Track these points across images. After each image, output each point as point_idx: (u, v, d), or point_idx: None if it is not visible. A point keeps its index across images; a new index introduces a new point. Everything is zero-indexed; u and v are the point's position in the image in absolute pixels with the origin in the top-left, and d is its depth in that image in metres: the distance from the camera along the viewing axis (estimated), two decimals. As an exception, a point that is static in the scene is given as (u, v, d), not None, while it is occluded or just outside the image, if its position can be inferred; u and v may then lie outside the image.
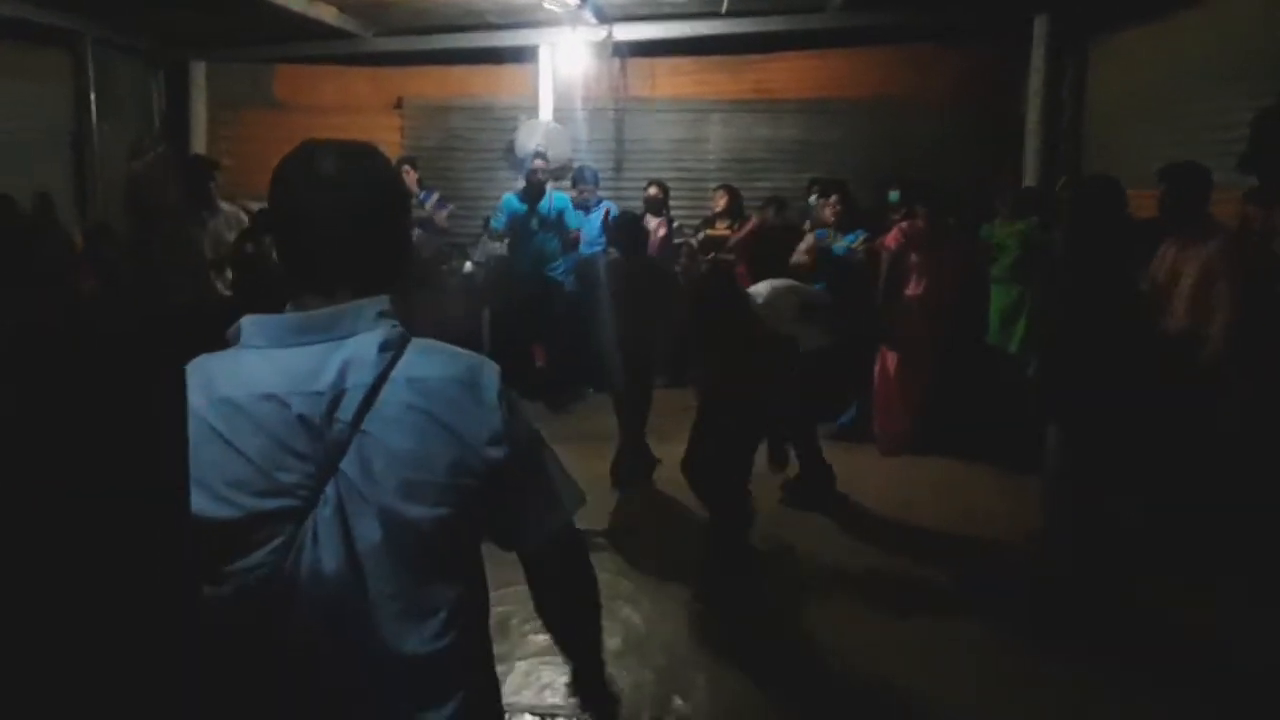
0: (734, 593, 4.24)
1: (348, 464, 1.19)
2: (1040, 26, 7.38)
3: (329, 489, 1.18)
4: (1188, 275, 4.13)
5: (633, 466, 5.45)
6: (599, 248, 6.81)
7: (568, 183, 7.89)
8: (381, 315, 1.26)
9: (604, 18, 7.78)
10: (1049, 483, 4.04)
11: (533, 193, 7.31)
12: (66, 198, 7.31)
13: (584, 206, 7.48)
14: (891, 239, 6.00)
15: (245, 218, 6.08)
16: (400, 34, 8.33)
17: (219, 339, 1.27)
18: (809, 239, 6.38)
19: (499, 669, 1.42)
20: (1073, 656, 3.57)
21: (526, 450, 1.31)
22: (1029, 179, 7.32)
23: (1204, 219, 4.23)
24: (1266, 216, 4.21)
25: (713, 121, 8.46)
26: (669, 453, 5.02)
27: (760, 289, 4.56)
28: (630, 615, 3.94)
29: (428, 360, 1.26)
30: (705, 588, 4.26)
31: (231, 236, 5.98)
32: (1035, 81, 7.45)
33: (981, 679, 3.47)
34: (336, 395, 1.19)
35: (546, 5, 7.23)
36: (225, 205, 6.18)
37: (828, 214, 6.36)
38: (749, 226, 7.10)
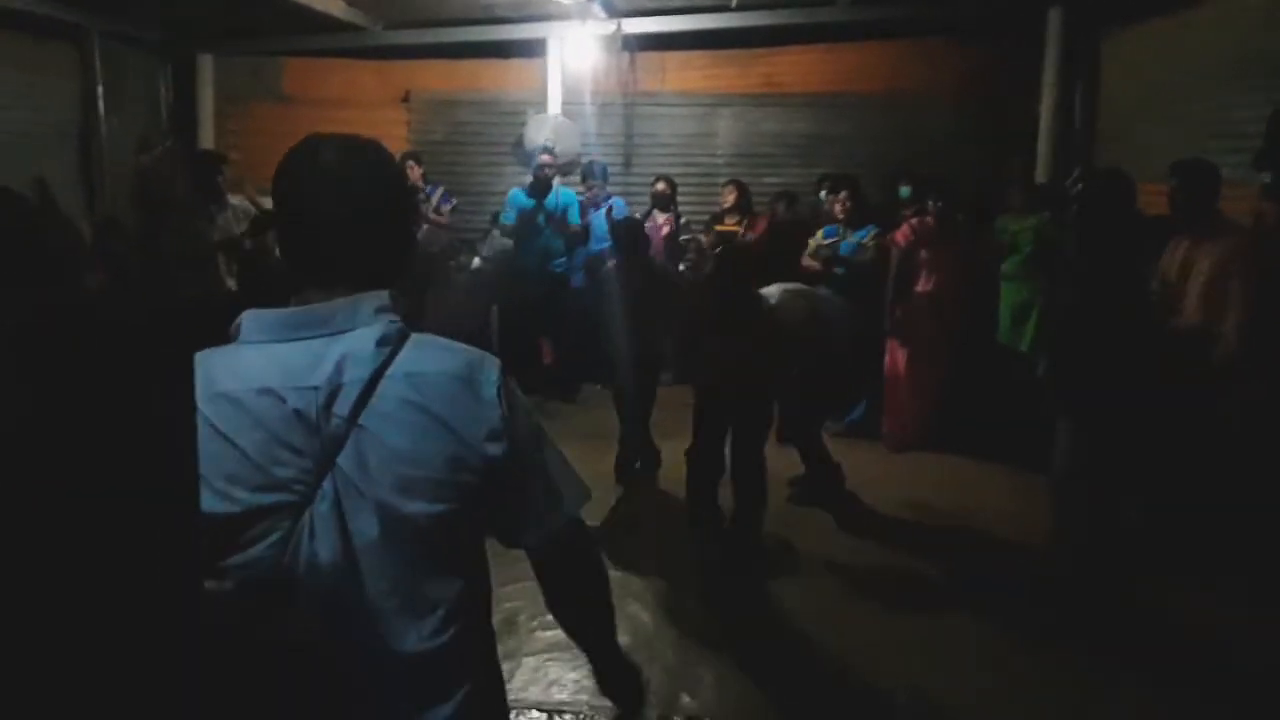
0: (741, 591, 4.23)
1: (344, 459, 1.18)
2: (1054, 19, 7.32)
3: (326, 484, 1.18)
4: (1199, 272, 4.09)
5: (637, 463, 5.45)
6: (608, 244, 6.80)
7: (576, 178, 7.87)
8: (381, 310, 1.26)
9: (613, 11, 7.76)
10: (1059, 483, 4.01)
11: (539, 188, 7.29)
12: (74, 192, 7.32)
13: (594, 203, 7.45)
14: (901, 235, 5.98)
15: (253, 208, 6.09)
16: (408, 27, 8.30)
17: (226, 333, 1.27)
18: (819, 236, 6.35)
19: (507, 665, 1.41)
20: (1073, 656, 3.57)
21: (527, 447, 1.30)
22: (1041, 174, 7.28)
23: (1213, 216, 4.20)
24: (1282, 213, 4.18)
25: (722, 116, 8.42)
26: (672, 449, 5.02)
27: (772, 291, 4.53)
28: (638, 612, 3.93)
29: (426, 356, 1.25)
30: (712, 585, 4.26)
31: (240, 230, 6.00)
32: (1049, 75, 7.40)
33: (984, 678, 3.47)
34: (333, 390, 1.19)
35: (555, -2, 7.22)
36: (234, 199, 6.19)
37: (838, 211, 6.33)
38: (761, 226, 7.06)
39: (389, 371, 1.21)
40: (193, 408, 0.96)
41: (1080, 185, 4.03)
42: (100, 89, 7.62)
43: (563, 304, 7.31)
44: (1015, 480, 5.32)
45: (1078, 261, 4.08)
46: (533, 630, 3.68)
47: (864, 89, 8.14)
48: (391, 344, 1.23)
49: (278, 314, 1.25)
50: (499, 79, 8.61)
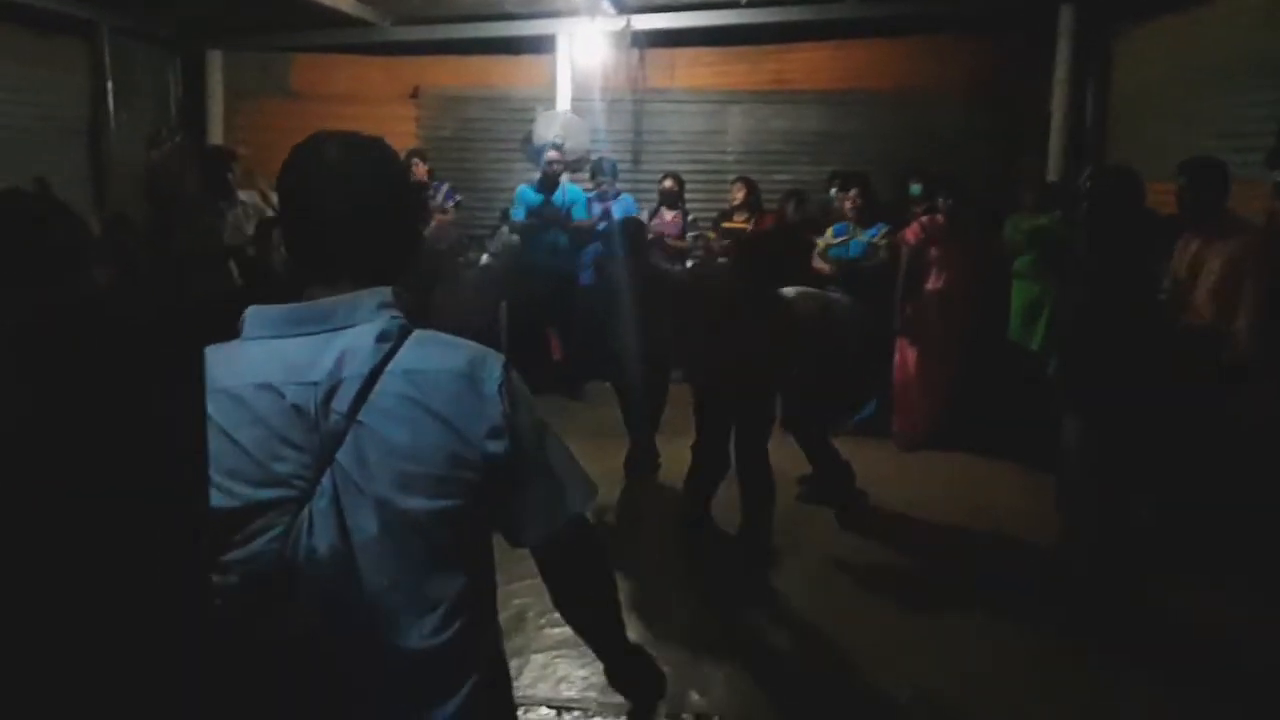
0: (748, 589, 4.22)
1: (343, 455, 1.18)
2: (1066, 16, 7.28)
3: (325, 480, 1.18)
4: (1210, 271, 4.06)
5: (640, 462, 5.47)
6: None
7: (585, 174, 7.85)
8: (383, 306, 1.25)
9: (623, 8, 7.74)
10: (1071, 482, 4.00)
11: (547, 184, 7.28)
12: (83, 187, 7.34)
13: (602, 199, 7.43)
14: (911, 233, 5.96)
15: (263, 204, 6.08)
16: (417, 23, 8.30)
17: (234, 330, 1.27)
18: (829, 234, 6.33)
19: (515, 662, 1.41)
20: (1083, 654, 3.56)
21: (529, 444, 1.29)
22: (1052, 172, 7.24)
23: (1222, 214, 4.17)
24: (1295, 212, 4.15)
25: (732, 113, 8.39)
26: (680, 446, 5.01)
27: (786, 292, 4.51)
28: (648, 609, 3.92)
29: (426, 352, 1.25)
30: (718, 583, 4.25)
31: (251, 227, 5.99)
32: (1060, 72, 7.36)
33: (993, 677, 3.45)
34: (332, 386, 1.19)
35: (565, -6, 7.21)
36: (244, 195, 6.19)
37: (848, 208, 6.30)
38: (768, 224, 7.02)
39: (389, 368, 1.21)
40: (202, 404, 0.96)
41: (1090, 183, 4.00)
42: (110, 84, 7.64)
43: (571, 301, 7.30)
44: (1026, 478, 5.30)
45: (1088, 260, 4.06)
46: (541, 627, 3.68)
47: (874, 86, 8.10)
48: (392, 340, 1.23)
49: (280, 309, 1.26)
50: (508, 75, 8.60)
